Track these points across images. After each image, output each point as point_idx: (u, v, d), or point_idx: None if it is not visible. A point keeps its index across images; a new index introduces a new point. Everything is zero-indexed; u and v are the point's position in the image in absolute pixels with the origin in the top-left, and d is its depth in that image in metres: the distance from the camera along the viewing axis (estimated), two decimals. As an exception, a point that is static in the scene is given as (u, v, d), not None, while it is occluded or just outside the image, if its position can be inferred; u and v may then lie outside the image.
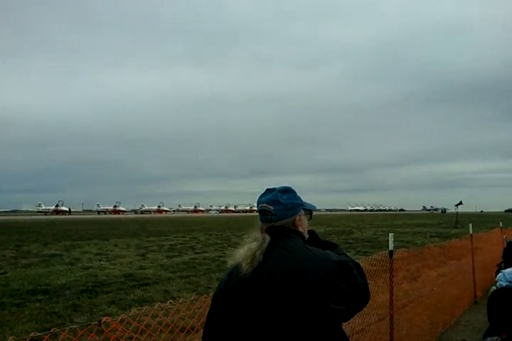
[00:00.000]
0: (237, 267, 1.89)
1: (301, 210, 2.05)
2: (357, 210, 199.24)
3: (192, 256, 18.25)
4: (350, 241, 25.76)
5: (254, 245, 1.89)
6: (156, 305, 3.00)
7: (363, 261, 6.31)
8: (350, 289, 1.78)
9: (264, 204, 2.00)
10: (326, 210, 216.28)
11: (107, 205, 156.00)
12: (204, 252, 19.73)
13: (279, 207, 1.97)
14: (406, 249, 9.22)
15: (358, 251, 19.40)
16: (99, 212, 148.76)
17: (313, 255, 1.84)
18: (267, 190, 2.07)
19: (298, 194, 2.11)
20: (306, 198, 2.19)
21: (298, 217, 2.01)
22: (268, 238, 1.91)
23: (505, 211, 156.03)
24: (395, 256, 6.34)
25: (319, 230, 35.11)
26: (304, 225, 2.05)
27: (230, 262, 1.95)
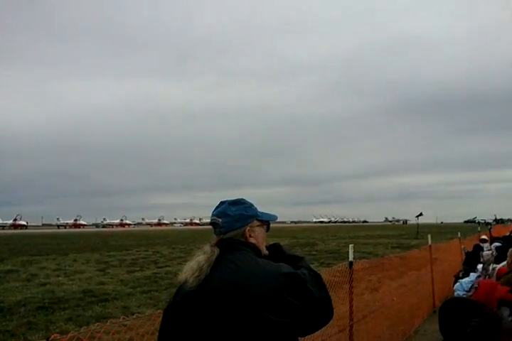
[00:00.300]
0: (185, 281, 1.86)
1: (254, 221, 2.02)
2: (321, 222, 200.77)
3: (154, 271, 17.92)
4: (314, 252, 25.90)
5: (201, 258, 1.87)
6: (108, 321, 2.90)
7: (324, 273, 6.35)
8: (302, 302, 1.74)
9: (214, 217, 2.00)
10: (291, 222, 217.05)
11: (67, 219, 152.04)
12: (167, 266, 19.39)
13: (227, 218, 1.96)
14: (367, 260, 9.34)
15: (322, 262, 19.52)
16: (58, 226, 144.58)
17: (260, 268, 1.81)
18: (220, 202, 2.06)
19: (258, 205, 2.09)
20: (272, 210, 2.17)
21: (248, 228, 1.99)
22: (217, 251, 1.89)
23: (465, 222, 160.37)
24: (356, 267, 6.39)
25: (283, 242, 34.96)
26: (257, 237, 2.01)
27: (180, 276, 1.92)
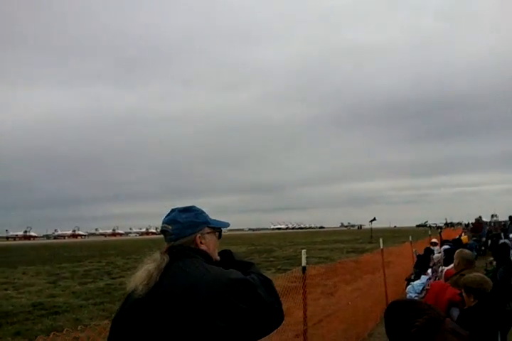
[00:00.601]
0: (134, 289, 1.85)
1: (205, 228, 2.04)
2: (279, 229, 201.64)
3: (107, 282, 17.52)
4: (271, 259, 25.94)
5: (151, 266, 1.87)
6: (52, 333, 2.79)
7: (280, 278, 6.37)
8: (251, 307, 1.75)
9: (164, 225, 2.01)
10: (249, 229, 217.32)
11: (16, 231, 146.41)
12: (121, 277, 18.85)
13: (177, 226, 1.98)
14: (323, 265, 9.45)
15: (279, 268, 19.56)
16: (7, 238, 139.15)
17: (209, 273, 1.81)
18: (171, 210, 2.08)
19: (215, 213, 2.16)
20: (229, 218, 2.18)
21: (199, 235, 2.00)
22: (166, 258, 1.89)
23: (417, 226, 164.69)
24: (312, 272, 6.45)
25: (241, 249, 35.06)
26: (208, 243, 2.03)
27: (130, 284, 1.90)
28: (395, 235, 55.24)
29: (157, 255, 1.92)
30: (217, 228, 2.11)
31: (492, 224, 41.36)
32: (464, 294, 3.99)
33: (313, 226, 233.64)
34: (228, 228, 2.34)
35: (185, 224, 1.98)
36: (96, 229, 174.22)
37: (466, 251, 5.75)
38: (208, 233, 2.04)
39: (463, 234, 23.34)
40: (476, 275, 4.13)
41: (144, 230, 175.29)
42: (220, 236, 2.13)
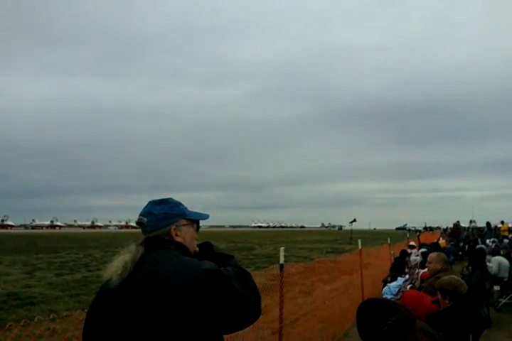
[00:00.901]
0: (109, 279, 1.87)
1: (181, 220, 2.05)
2: (260, 227, 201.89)
3: (85, 274, 17.40)
4: (251, 257, 26.03)
5: (127, 257, 1.89)
6: (22, 321, 2.77)
7: (257, 276, 6.37)
8: (222, 298, 1.75)
9: (140, 217, 2.04)
10: (230, 226, 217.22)
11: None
12: (98, 270, 18.69)
13: (152, 218, 2.00)
14: (302, 263, 9.50)
15: (258, 266, 19.60)
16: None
17: (181, 264, 1.83)
18: (148, 202, 2.10)
19: (196, 209, 2.13)
20: (210, 214, 2.19)
21: (174, 227, 2.01)
22: (141, 249, 1.91)
23: (396, 229, 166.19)
24: (290, 271, 6.49)
25: (221, 246, 34.72)
26: (184, 235, 2.03)
27: (105, 274, 1.91)
28: (375, 237, 55.67)
29: (132, 246, 1.94)
30: (194, 220, 2.11)
31: (470, 229, 42.01)
32: (439, 296, 4.05)
33: (294, 225, 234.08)
34: (209, 224, 2.35)
35: (159, 216, 2.00)
36: (74, 221, 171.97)
37: (442, 254, 5.85)
38: (184, 225, 2.05)
39: (441, 239, 23.70)
40: (452, 277, 4.20)
41: (123, 223, 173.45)
42: (198, 229, 2.14)
